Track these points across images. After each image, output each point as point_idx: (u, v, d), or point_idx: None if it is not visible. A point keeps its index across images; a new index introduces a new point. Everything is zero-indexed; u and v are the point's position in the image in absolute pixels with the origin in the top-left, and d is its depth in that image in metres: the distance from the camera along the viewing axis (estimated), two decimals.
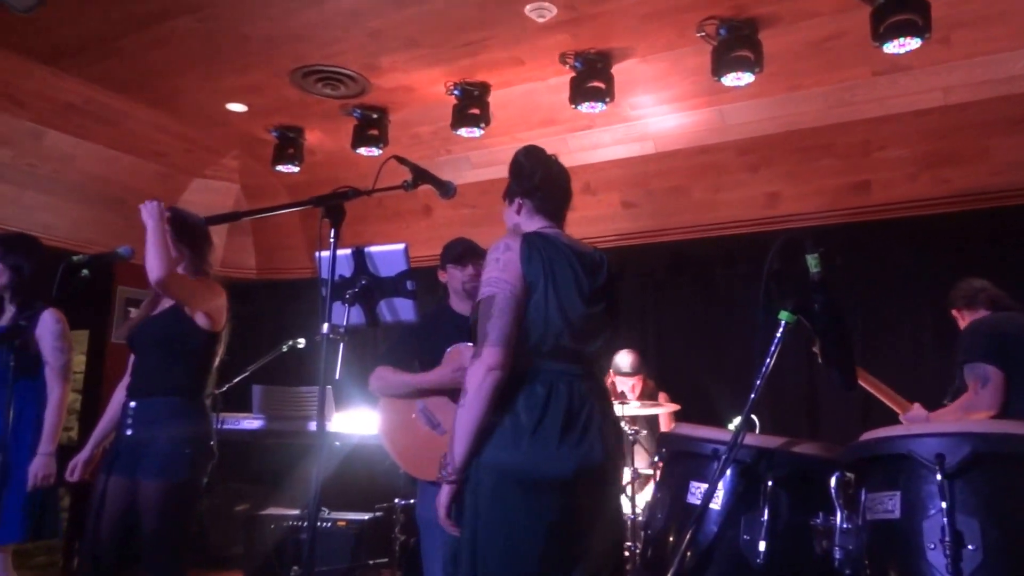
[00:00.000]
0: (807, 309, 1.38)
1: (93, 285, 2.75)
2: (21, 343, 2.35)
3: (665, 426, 4.11)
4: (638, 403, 3.74)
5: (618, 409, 3.60)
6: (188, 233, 2.58)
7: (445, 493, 1.76)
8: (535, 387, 1.70)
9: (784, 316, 1.38)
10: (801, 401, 4.15)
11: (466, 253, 2.67)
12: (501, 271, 1.74)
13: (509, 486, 1.65)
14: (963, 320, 2.92)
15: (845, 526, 1.21)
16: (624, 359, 4.01)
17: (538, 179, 1.92)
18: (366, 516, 3.97)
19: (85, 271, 2.40)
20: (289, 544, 3.91)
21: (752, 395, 1.35)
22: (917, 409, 2.78)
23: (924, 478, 1.14)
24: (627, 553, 3.47)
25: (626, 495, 3.56)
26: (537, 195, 1.92)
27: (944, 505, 1.11)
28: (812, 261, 1.37)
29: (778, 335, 1.37)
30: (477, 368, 1.68)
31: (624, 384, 4.03)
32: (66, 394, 2.76)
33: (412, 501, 3.77)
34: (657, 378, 4.21)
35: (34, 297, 2.78)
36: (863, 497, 1.22)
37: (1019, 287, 2.97)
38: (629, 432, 3.56)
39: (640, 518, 3.50)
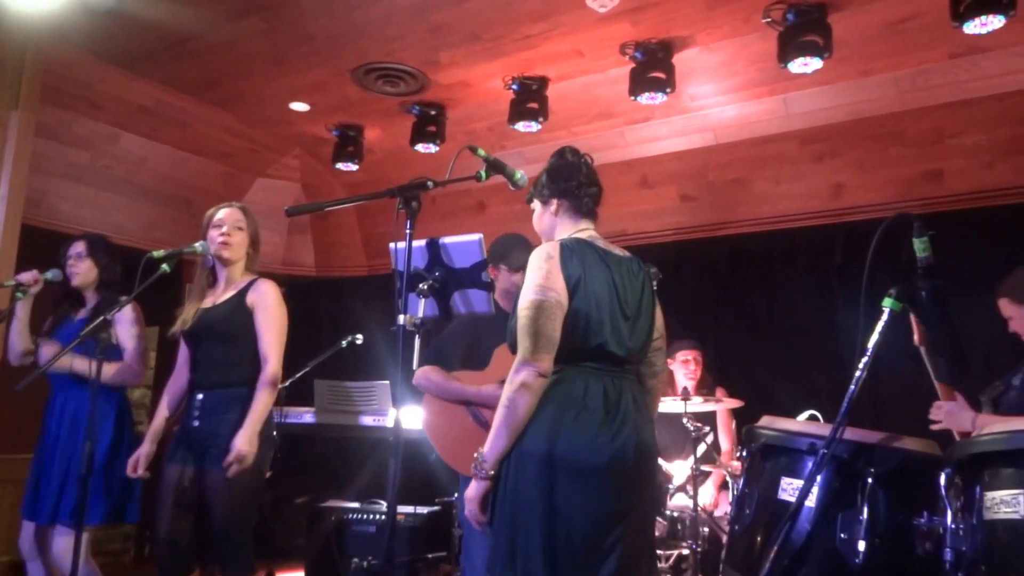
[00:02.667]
0: (913, 296, 1.32)
1: (164, 282, 2.86)
2: (106, 336, 2.45)
3: (724, 422, 4.01)
4: (700, 399, 3.65)
5: (679, 406, 3.53)
6: (253, 235, 2.72)
7: (477, 489, 1.79)
8: (574, 384, 1.77)
9: (889, 303, 1.32)
10: (865, 395, 4.00)
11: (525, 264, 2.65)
12: (545, 278, 1.78)
13: (550, 473, 1.70)
14: (1007, 311, 2.46)
15: (957, 526, 1.14)
16: (681, 342, 3.94)
17: (582, 177, 1.94)
18: (424, 510, 3.99)
19: (165, 266, 2.46)
20: (348, 536, 3.96)
21: (852, 387, 1.29)
22: (960, 402, 2.30)
23: None
24: (684, 551, 3.43)
25: (686, 493, 3.49)
26: (577, 194, 1.94)
27: None
28: (920, 245, 1.30)
29: (882, 324, 1.31)
30: (522, 373, 1.73)
31: (684, 359, 3.92)
32: (144, 371, 3.01)
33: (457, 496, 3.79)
34: (716, 372, 4.12)
35: (116, 293, 2.94)
36: (979, 496, 1.15)
37: None
38: (691, 428, 3.49)
39: (702, 515, 3.43)
